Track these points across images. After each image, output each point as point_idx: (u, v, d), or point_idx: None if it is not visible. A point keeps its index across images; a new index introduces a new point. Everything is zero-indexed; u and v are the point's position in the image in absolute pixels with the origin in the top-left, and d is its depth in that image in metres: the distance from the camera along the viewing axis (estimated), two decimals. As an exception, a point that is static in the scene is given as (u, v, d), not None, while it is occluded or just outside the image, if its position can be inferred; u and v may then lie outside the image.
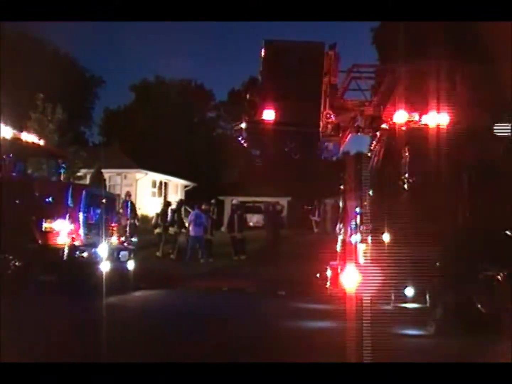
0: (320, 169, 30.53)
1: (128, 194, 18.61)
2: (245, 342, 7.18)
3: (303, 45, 12.52)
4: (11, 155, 11.27)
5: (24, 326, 7.55)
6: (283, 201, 33.12)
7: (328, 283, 9.81)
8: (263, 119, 11.70)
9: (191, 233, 17.28)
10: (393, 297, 8.58)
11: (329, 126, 12.28)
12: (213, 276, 14.62)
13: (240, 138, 12.55)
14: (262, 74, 12.16)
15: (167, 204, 20.19)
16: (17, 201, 10.58)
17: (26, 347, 6.23)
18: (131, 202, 17.83)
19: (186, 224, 17.85)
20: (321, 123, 12.05)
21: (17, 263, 10.21)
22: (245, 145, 12.84)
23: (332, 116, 12.21)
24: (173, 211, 18.87)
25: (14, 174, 11.37)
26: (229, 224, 18.63)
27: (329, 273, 9.83)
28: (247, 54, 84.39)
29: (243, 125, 12.19)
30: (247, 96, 12.51)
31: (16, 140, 11.43)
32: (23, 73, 23.38)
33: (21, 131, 12.39)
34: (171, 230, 18.28)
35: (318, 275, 10.29)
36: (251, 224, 24.99)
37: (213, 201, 20.63)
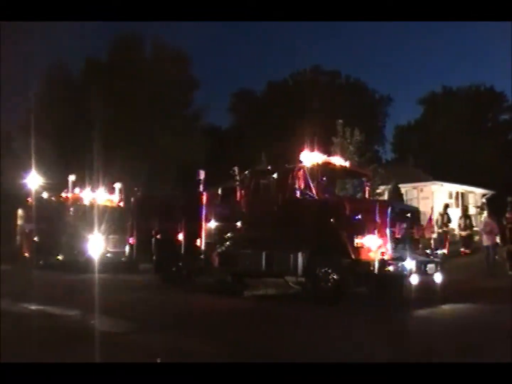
0: None
1: (445, 206, 18.88)
2: None
3: None
4: (324, 178, 12.46)
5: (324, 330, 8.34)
6: None
7: None
8: None
9: (483, 242, 17.21)
10: None
11: None
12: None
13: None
14: None
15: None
16: (331, 220, 11.53)
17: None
18: (447, 214, 18.17)
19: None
20: None
21: (335, 276, 11.23)
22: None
23: None
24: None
25: (326, 195, 12.50)
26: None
27: None
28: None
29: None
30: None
31: (327, 164, 12.65)
32: (324, 104, 25.62)
33: (329, 156, 13.57)
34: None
35: None
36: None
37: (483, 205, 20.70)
